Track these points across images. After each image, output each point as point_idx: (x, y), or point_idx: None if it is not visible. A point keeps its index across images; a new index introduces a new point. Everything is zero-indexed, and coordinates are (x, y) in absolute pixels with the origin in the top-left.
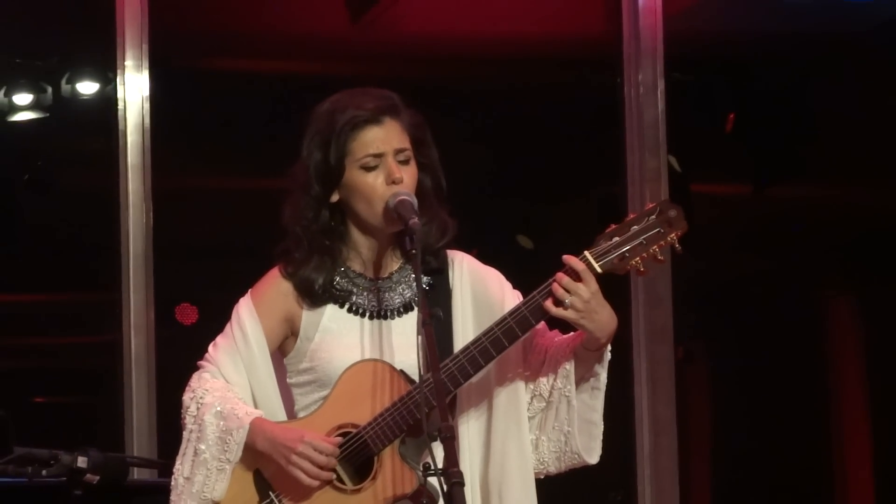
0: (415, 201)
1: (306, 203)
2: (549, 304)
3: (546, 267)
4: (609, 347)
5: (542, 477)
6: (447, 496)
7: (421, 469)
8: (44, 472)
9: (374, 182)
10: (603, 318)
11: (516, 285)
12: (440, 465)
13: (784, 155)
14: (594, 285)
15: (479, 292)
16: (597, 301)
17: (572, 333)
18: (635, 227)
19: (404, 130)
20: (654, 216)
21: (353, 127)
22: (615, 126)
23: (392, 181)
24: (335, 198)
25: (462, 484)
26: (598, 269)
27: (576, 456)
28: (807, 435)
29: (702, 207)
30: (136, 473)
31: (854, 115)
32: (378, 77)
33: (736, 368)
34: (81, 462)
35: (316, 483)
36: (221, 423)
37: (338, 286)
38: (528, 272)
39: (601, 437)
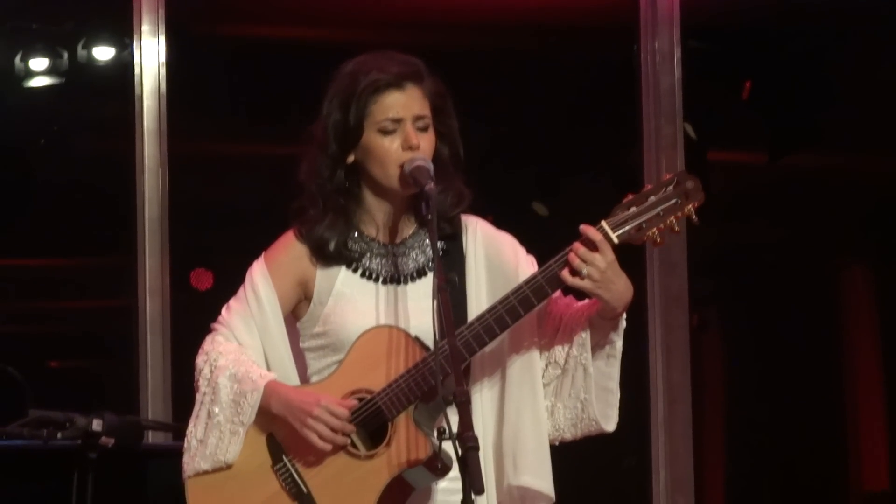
0: (431, 167)
1: (323, 162)
2: (565, 273)
3: (561, 234)
4: (624, 316)
5: (558, 444)
6: (462, 460)
7: (436, 434)
8: (59, 435)
9: (391, 146)
10: (619, 288)
11: (531, 252)
12: (454, 431)
13: (800, 123)
14: (611, 255)
15: (493, 257)
16: (613, 271)
17: (587, 301)
18: (652, 197)
19: (425, 97)
20: (671, 187)
21: (374, 90)
22: (631, 93)
23: (408, 147)
24: (351, 159)
25: (477, 448)
26: (615, 240)
27: (593, 422)
28: (820, 403)
29: (717, 175)
30: (151, 437)
31: (871, 83)
32: (394, 43)
33: (750, 337)
34: (96, 425)
35: (330, 447)
36: (235, 385)
37: (351, 248)
38: (543, 239)
39: (617, 405)
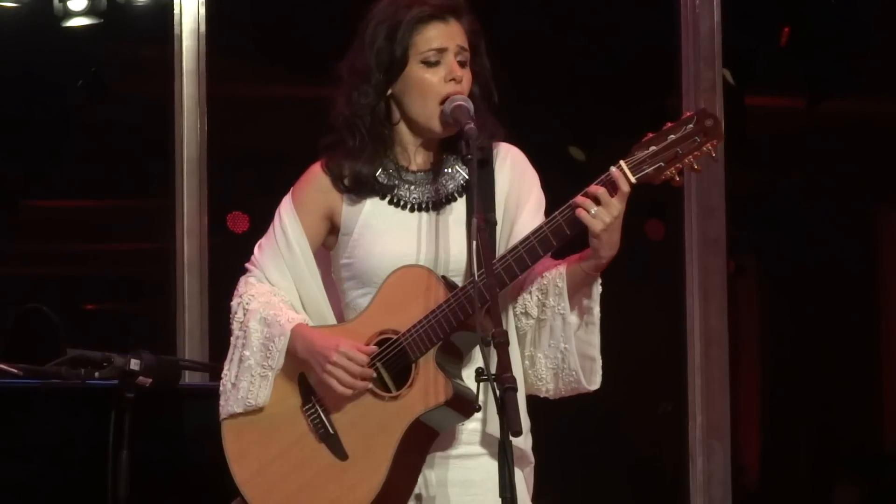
0: (471, 106)
1: (364, 91)
2: (581, 212)
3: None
4: (599, 280)
5: (541, 396)
6: (500, 401)
7: (460, 378)
8: (96, 374)
9: (433, 78)
10: (615, 238)
11: (568, 198)
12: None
13: (838, 68)
14: (625, 198)
15: (515, 184)
16: (621, 217)
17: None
18: (672, 135)
19: (465, 33)
20: (691, 125)
21: (418, 20)
22: (671, 37)
23: (451, 78)
24: (390, 91)
25: (515, 389)
26: (633, 180)
27: (573, 373)
28: (856, 348)
29: (755, 120)
30: (188, 377)
31: None
32: None
33: (786, 282)
34: (134, 364)
35: (350, 392)
36: (265, 329)
37: (381, 179)
38: (579, 184)
39: (600, 371)
